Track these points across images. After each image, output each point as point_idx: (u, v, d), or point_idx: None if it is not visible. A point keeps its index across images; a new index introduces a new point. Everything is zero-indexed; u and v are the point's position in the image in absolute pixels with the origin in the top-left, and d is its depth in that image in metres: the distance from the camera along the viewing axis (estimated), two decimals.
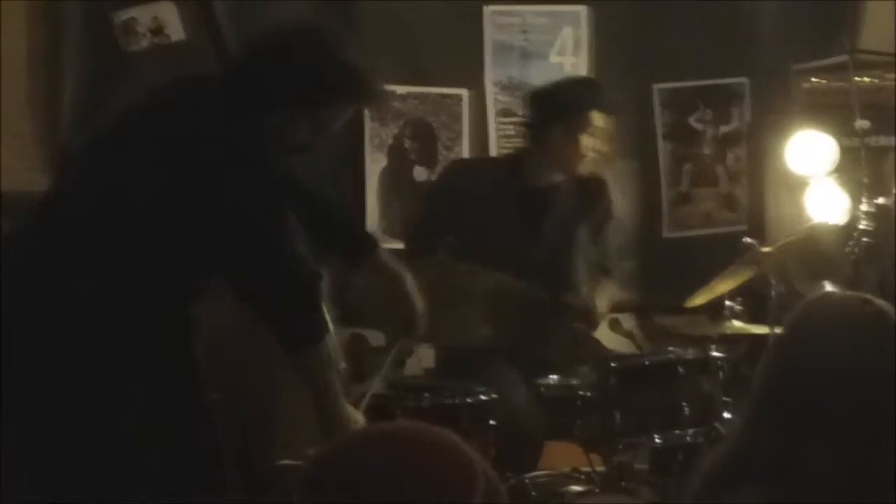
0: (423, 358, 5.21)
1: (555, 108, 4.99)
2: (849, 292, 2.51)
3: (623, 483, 4.40)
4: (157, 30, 5.37)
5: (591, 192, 5.25)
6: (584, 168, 4.98)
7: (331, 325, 3.58)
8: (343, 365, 3.95)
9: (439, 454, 1.75)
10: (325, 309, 3.51)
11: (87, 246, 3.34)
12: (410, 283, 3.93)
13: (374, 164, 5.77)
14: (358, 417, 3.61)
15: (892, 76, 5.80)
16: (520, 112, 5.74)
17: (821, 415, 2.28)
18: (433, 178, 5.81)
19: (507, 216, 5.00)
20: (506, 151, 5.76)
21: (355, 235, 4.06)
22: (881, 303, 2.38)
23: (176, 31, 5.38)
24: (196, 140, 3.36)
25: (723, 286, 4.86)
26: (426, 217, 5.15)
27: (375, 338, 5.46)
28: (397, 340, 4.22)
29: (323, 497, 1.72)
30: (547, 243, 5.04)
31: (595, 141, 4.94)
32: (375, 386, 4.13)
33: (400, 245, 5.50)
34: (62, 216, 3.42)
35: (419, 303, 3.94)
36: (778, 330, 4.08)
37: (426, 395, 4.34)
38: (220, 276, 3.46)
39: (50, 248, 3.36)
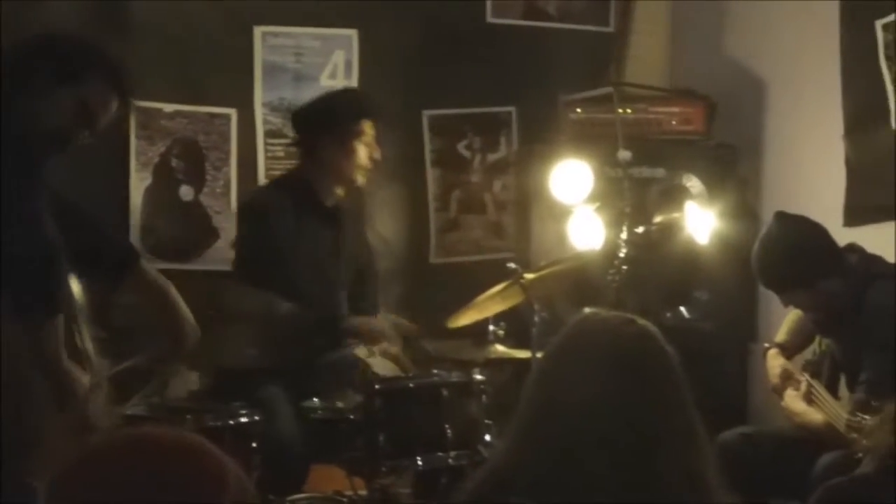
0: (188, 380, 5.12)
1: (326, 123, 5.01)
2: (614, 312, 2.54)
3: None
4: None
5: (354, 213, 5.30)
6: (362, 178, 5.03)
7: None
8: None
9: (187, 457, 1.74)
10: (63, 288, 3.46)
11: None
12: (175, 295, 3.88)
13: (140, 183, 5.66)
14: (84, 380, 3.56)
15: (656, 109, 5.95)
16: (290, 134, 5.72)
17: (589, 431, 2.31)
18: (201, 197, 5.74)
19: (309, 238, 5.00)
20: (274, 173, 5.74)
21: (116, 248, 3.99)
22: (644, 322, 2.42)
23: None
24: None
25: (486, 309, 4.91)
26: (246, 247, 5.09)
27: None
28: (164, 357, 4.12)
29: None
30: (340, 266, 5.08)
31: (369, 149, 5.00)
32: (132, 406, 4.05)
33: (164, 265, 5.43)
34: None
35: (187, 314, 3.89)
36: (540, 355, 4.13)
37: (188, 416, 4.28)
38: None
39: None
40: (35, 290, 3.39)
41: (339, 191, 5.11)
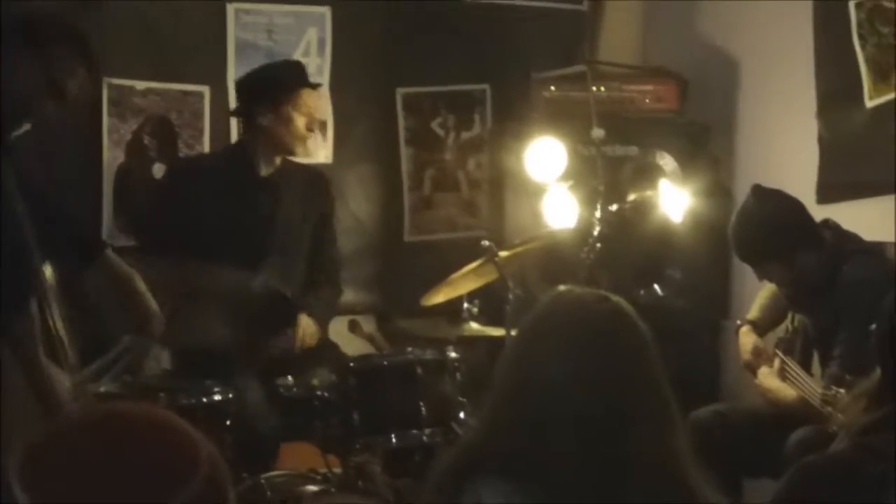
0: (161, 358, 5.11)
1: (263, 91, 5.02)
2: (587, 289, 2.54)
3: (360, 483, 4.40)
4: None
5: (315, 185, 5.27)
6: (302, 148, 5.04)
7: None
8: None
9: (159, 432, 1.73)
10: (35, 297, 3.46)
11: None
12: (141, 283, 3.91)
13: (112, 161, 5.62)
14: (65, 380, 3.56)
15: (629, 87, 5.95)
16: None
17: (562, 409, 2.31)
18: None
19: (235, 209, 4.98)
20: None
21: (84, 235, 4.00)
22: (617, 299, 2.42)
23: None
24: None
25: (461, 287, 4.90)
26: (155, 219, 5.09)
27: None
28: (130, 340, 4.11)
29: (41, 484, 1.66)
30: (278, 235, 5.05)
31: (307, 119, 5.01)
32: (103, 383, 4.04)
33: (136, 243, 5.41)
34: None
35: (152, 303, 3.91)
36: (514, 332, 4.13)
37: (161, 394, 4.27)
38: None
39: None
40: (7, 282, 3.39)
41: (278, 161, 5.11)
